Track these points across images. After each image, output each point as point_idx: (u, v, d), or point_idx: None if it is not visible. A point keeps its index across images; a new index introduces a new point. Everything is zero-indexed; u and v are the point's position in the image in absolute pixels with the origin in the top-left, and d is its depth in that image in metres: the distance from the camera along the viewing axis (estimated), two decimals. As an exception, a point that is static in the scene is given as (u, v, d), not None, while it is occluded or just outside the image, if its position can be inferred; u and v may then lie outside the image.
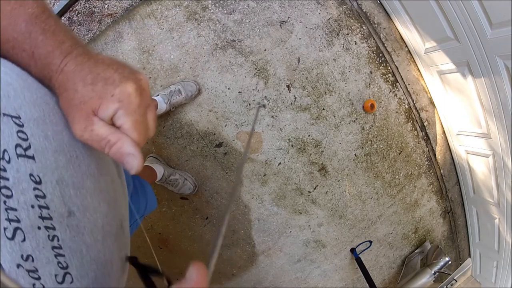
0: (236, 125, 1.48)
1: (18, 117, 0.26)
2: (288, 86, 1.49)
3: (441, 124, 1.75)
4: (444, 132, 1.77)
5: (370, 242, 1.80)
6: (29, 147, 0.26)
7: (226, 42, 1.41)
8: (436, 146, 1.76)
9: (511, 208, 1.55)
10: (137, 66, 1.40)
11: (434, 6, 1.28)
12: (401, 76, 1.62)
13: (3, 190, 0.23)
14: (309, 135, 1.55)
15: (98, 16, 1.40)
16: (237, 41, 1.42)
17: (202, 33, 1.39)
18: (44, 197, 0.26)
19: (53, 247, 0.26)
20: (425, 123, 1.71)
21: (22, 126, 0.26)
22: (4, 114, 0.25)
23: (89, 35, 1.41)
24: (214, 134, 1.48)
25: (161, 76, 1.41)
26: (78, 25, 1.42)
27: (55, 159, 0.27)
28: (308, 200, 1.64)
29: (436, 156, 1.77)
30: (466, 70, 1.36)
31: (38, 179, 0.26)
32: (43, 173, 0.26)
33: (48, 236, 0.26)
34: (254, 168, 1.54)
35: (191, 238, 1.64)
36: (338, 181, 1.64)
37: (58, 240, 0.27)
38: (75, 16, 1.42)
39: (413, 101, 1.66)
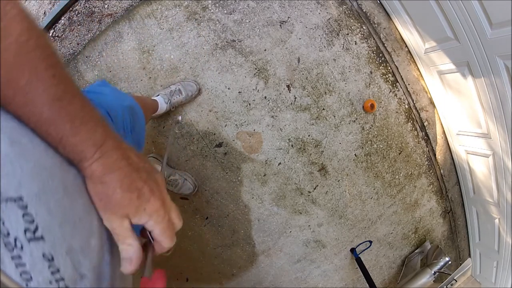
0: (236, 125, 1.48)
1: (21, 199, 0.26)
2: (288, 86, 1.49)
3: (441, 124, 1.75)
4: (444, 132, 1.77)
5: (370, 242, 1.80)
6: (36, 228, 0.26)
7: (226, 42, 1.41)
8: (436, 146, 1.76)
9: (511, 208, 1.55)
10: (137, 66, 1.40)
11: (434, 6, 1.28)
12: (401, 76, 1.62)
13: (23, 276, 0.25)
14: (309, 135, 1.55)
15: (98, 16, 1.40)
16: (237, 41, 1.42)
17: (202, 33, 1.39)
18: (58, 271, 0.27)
19: None
20: (425, 123, 1.71)
21: (26, 207, 0.26)
22: (7, 200, 0.24)
23: (89, 35, 1.41)
24: (214, 134, 1.48)
25: (161, 76, 1.41)
26: (78, 25, 1.42)
27: (62, 231, 0.28)
28: (308, 200, 1.64)
29: (436, 156, 1.77)
30: (466, 70, 1.37)
31: (50, 257, 0.27)
32: (54, 249, 0.27)
33: None
34: (254, 168, 1.54)
35: (191, 238, 1.64)
36: (338, 181, 1.64)
37: None
38: (75, 16, 1.42)
39: (413, 101, 1.66)
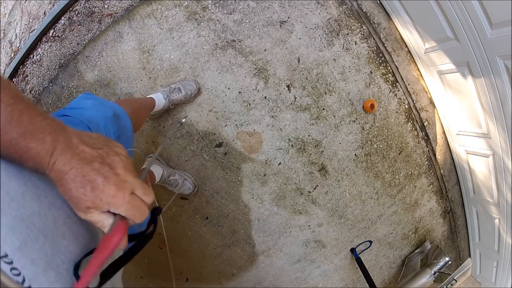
0: (236, 125, 1.48)
1: (6, 256, 0.28)
2: (288, 86, 1.49)
3: (441, 124, 1.75)
4: (444, 132, 1.77)
5: (370, 242, 1.80)
6: (24, 280, 0.29)
7: (226, 42, 1.41)
8: (436, 146, 1.76)
9: (511, 208, 1.55)
10: (137, 66, 1.40)
11: (434, 6, 1.28)
12: (401, 76, 1.62)
13: None
14: (309, 135, 1.55)
15: (98, 16, 1.40)
16: (237, 41, 1.42)
17: (202, 33, 1.39)
18: None
19: None
20: (425, 123, 1.71)
21: (12, 262, 0.28)
22: None
23: (89, 35, 1.41)
24: (214, 134, 1.48)
25: (161, 76, 1.41)
26: (78, 25, 1.42)
27: (46, 277, 0.31)
28: (308, 200, 1.64)
29: (436, 156, 1.77)
30: (466, 70, 1.36)
31: None
32: None
33: None
34: (254, 168, 1.54)
35: (191, 238, 1.64)
36: (338, 181, 1.64)
37: None
38: (75, 16, 1.42)
39: (413, 101, 1.66)
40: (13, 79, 1.56)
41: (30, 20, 1.53)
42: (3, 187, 0.31)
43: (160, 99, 1.28)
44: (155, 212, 0.43)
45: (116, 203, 0.34)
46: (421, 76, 1.67)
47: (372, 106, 1.55)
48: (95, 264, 0.34)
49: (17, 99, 0.33)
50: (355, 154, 1.63)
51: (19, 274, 0.29)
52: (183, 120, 1.43)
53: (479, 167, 1.64)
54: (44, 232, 0.32)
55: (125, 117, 0.79)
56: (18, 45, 1.56)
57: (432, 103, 1.72)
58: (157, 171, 1.35)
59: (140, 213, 0.36)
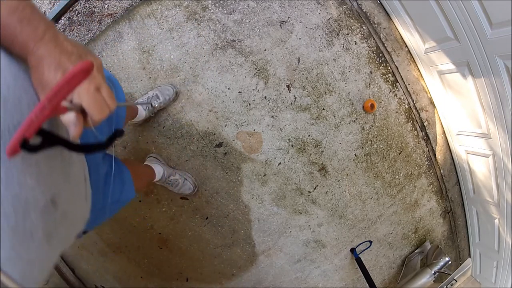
0: (236, 125, 1.48)
1: None
2: (288, 86, 1.49)
3: (441, 124, 1.75)
4: (444, 132, 1.77)
5: (370, 242, 1.80)
6: None
7: (226, 42, 1.41)
8: (436, 146, 1.76)
9: (511, 208, 1.55)
10: (137, 66, 1.40)
11: (434, 6, 1.28)
12: (401, 76, 1.62)
13: None
14: (309, 135, 1.55)
15: (98, 16, 1.40)
16: (237, 41, 1.42)
17: (202, 33, 1.39)
18: None
19: None
20: (425, 123, 1.71)
21: None
22: None
23: (89, 35, 1.41)
24: (214, 134, 1.48)
25: (161, 76, 1.41)
26: (78, 25, 1.42)
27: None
28: (308, 200, 1.64)
29: (436, 156, 1.77)
30: (466, 70, 1.37)
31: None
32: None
33: None
34: (254, 168, 1.54)
35: (191, 238, 1.64)
36: (338, 181, 1.64)
37: None
38: (75, 16, 1.42)
39: (413, 101, 1.66)
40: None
41: (30, 20, 1.52)
42: None
43: (140, 111, 1.29)
44: (117, 131, 0.44)
45: (81, 92, 0.36)
46: (421, 76, 1.67)
47: (372, 106, 1.55)
48: (48, 97, 0.33)
49: None
50: (355, 154, 1.63)
51: None
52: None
53: (479, 167, 1.64)
54: (4, 99, 0.33)
55: (117, 83, 0.82)
56: (18, 45, 1.56)
57: (432, 103, 1.72)
58: (158, 169, 1.35)
59: (100, 110, 0.38)
